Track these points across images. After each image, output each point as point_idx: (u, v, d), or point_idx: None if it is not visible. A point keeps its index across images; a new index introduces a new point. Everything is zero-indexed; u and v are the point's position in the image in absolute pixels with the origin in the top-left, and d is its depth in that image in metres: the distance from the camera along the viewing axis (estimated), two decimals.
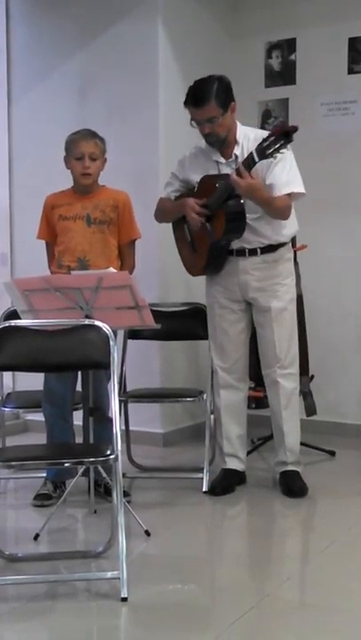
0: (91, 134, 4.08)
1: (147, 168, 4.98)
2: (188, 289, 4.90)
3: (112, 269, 3.80)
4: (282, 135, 3.67)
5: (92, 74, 5.23)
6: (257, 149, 3.74)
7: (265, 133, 3.88)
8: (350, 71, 5.19)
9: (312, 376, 4.82)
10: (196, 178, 4.12)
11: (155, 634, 2.75)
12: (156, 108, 5.01)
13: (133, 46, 5.05)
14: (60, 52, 5.33)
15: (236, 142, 4.03)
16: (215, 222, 3.98)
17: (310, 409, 4.78)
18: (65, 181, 4.18)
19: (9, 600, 2.99)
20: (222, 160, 4.05)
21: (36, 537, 3.53)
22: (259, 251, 4.06)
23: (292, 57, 5.38)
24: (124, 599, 2.92)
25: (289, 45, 5.38)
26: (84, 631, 2.82)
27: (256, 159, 3.75)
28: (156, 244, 4.78)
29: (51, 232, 4.19)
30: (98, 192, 4.14)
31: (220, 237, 3.99)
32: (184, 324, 4.48)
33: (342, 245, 5.25)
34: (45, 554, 3.45)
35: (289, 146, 3.72)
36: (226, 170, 4.01)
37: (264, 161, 3.78)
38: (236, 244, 4.05)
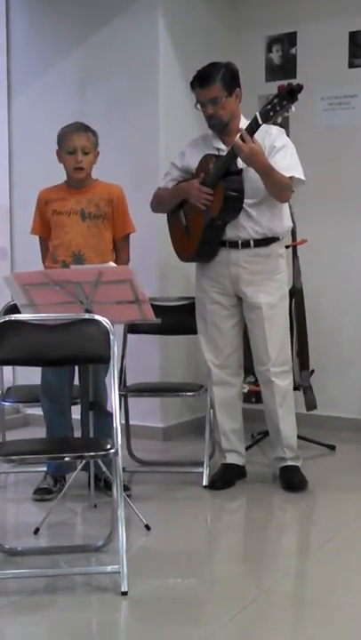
0: (83, 128, 4.05)
1: (146, 164, 4.97)
2: (187, 283, 4.89)
3: (112, 264, 3.79)
4: (286, 94, 3.64)
5: (91, 69, 5.23)
6: (261, 112, 3.72)
7: (263, 126, 3.88)
8: (351, 65, 5.18)
9: (312, 370, 4.82)
10: (195, 164, 4.11)
11: (155, 628, 2.76)
12: (156, 103, 5.01)
13: (133, 42, 5.04)
14: (60, 47, 5.32)
15: (238, 131, 4.01)
16: (212, 200, 3.96)
17: (310, 403, 4.78)
18: (65, 176, 4.17)
19: (9, 594, 2.99)
20: (224, 147, 4.04)
21: (37, 531, 3.54)
22: (252, 243, 4.04)
23: (293, 51, 5.37)
24: (124, 593, 2.93)
25: (289, 39, 5.37)
26: (84, 625, 2.82)
27: (260, 121, 3.73)
28: (156, 239, 4.77)
29: (45, 227, 4.18)
30: (91, 186, 4.13)
31: (216, 215, 3.96)
32: (184, 318, 4.47)
33: (343, 239, 5.25)
34: (45, 548, 3.45)
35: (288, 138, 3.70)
36: None
37: (266, 146, 3.76)
38: (229, 233, 4.02)
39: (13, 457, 3.12)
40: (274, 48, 5.43)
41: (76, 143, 4.01)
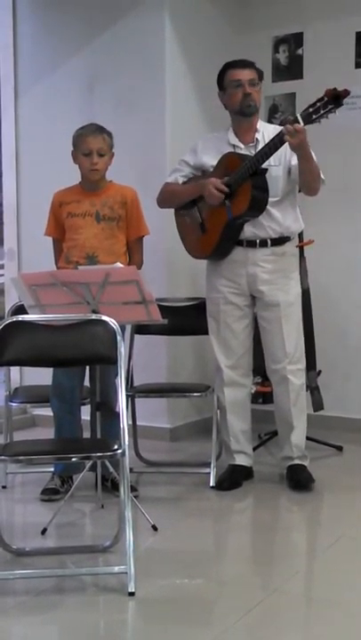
0: (99, 129, 4.07)
1: (154, 162, 4.97)
2: (194, 284, 4.89)
3: (119, 264, 3.79)
4: (332, 99, 3.65)
5: (98, 70, 5.23)
6: (302, 114, 3.73)
7: (279, 128, 3.94)
8: (358, 65, 5.17)
9: (319, 371, 4.81)
10: (210, 161, 4.11)
11: (162, 628, 2.76)
12: (163, 103, 5.01)
13: (140, 41, 5.05)
14: (67, 46, 5.33)
15: (256, 130, 4.07)
16: (236, 199, 3.94)
17: (318, 404, 4.78)
18: (72, 176, 4.18)
19: (17, 594, 3.00)
20: (240, 144, 4.06)
21: (44, 531, 3.54)
22: (269, 242, 4.05)
23: (299, 51, 5.37)
24: (132, 594, 2.93)
25: (296, 40, 5.37)
26: (91, 625, 2.82)
27: (301, 123, 3.74)
28: (163, 239, 4.77)
29: (59, 229, 4.19)
30: (106, 188, 4.14)
31: (239, 214, 3.96)
32: (191, 319, 4.48)
33: (351, 240, 5.24)
34: (53, 548, 3.45)
35: None
36: (245, 153, 4.01)
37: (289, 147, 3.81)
38: (247, 233, 4.03)
39: (21, 457, 3.12)
40: (280, 48, 5.43)
41: (91, 145, 4.02)
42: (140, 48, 5.05)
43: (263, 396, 4.74)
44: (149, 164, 4.98)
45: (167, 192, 4.28)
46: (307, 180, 4.00)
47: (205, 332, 4.40)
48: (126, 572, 2.97)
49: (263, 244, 4.06)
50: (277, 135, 3.84)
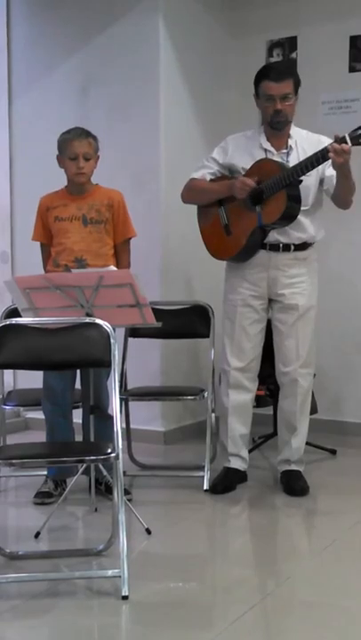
0: (84, 133, 4.05)
1: (148, 166, 4.98)
2: (188, 287, 4.90)
3: (112, 267, 3.79)
4: None
5: (92, 72, 5.23)
6: (351, 135, 3.70)
7: (313, 135, 4.01)
8: (351, 69, 5.18)
9: (314, 375, 4.80)
10: (241, 162, 4.07)
11: (155, 632, 2.75)
12: (157, 106, 5.01)
13: (134, 45, 5.05)
14: (61, 50, 5.33)
15: (289, 136, 4.05)
16: (269, 206, 3.91)
17: (311, 407, 4.76)
18: (65, 180, 4.17)
19: (10, 598, 2.99)
20: (272, 149, 4.05)
21: (37, 535, 3.53)
22: (292, 247, 4.06)
23: (294, 55, 5.37)
24: (125, 597, 2.92)
25: (290, 43, 5.38)
26: (84, 629, 2.82)
27: (349, 143, 3.72)
28: (158, 243, 4.78)
29: (46, 233, 4.18)
30: (92, 192, 4.13)
31: (271, 222, 3.94)
32: (185, 322, 4.48)
33: (346, 244, 5.25)
34: (46, 552, 3.45)
35: None
36: (277, 159, 3.99)
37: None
38: (270, 238, 4.03)
39: (14, 461, 3.12)
40: (275, 52, 5.43)
41: (77, 150, 4.01)
42: (134, 52, 5.05)
43: (257, 400, 4.73)
44: (143, 168, 4.98)
45: (194, 188, 4.20)
46: (342, 194, 4.01)
47: (199, 336, 4.41)
48: (120, 576, 2.97)
49: (286, 248, 4.06)
50: (321, 151, 3.80)
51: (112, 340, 3.19)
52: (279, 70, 4.02)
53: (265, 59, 5.43)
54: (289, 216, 3.94)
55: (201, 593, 3.12)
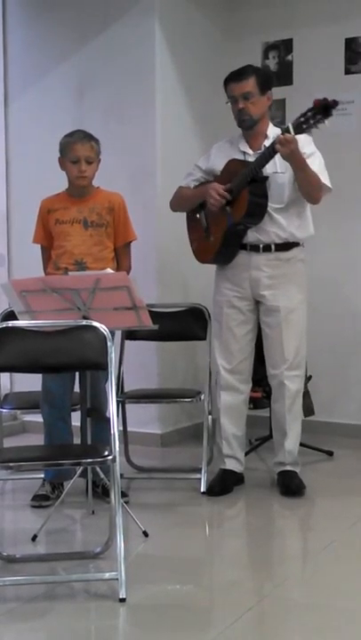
0: (87, 137, 4.06)
1: (144, 169, 4.98)
2: (185, 289, 4.90)
3: (109, 270, 3.79)
4: (321, 109, 3.67)
5: (89, 75, 5.24)
6: (294, 123, 3.75)
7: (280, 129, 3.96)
8: (347, 72, 5.19)
9: (310, 376, 4.82)
10: (220, 166, 4.12)
11: (153, 634, 2.75)
12: (153, 108, 5.01)
13: (130, 47, 5.06)
14: (57, 53, 5.33)
15: (265, 136, 4.06)
16: (236, 205, 3.97)
17: (308, 409, 4.78)
18: (62, 182, 4.17)
19: (7, 601, 2.99)
20: (250, 151, 4.07)
21: (34, 538, 3.53)
22: (273, 247, 4.06)
23: (289, 57, 5.38)
24: (123, 600, 2.92)
25: (286, 46, 5.39)
26: (82, 632, 2.81)
27: (292, 132, 3.75)
28: (154, 245, 4.78)
29: (47, 236, 4.18)
30: (93, 195, 4.13)
31: (239, 220, 3.98)
32: (182, 324, 4.48)
33: (340, 245, 5.26)
34: (43, 555, 3.44)
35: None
36: (252, 160, 4.02)
37: None
38: (251, 237, 4.04)
39: (11, 463, 3.13)
40: (270, 54, 5.44)
41: (79, 153, 4.01)
42: (130, 54, 5.06)
43: (254, 402, 4.74)
44: (139, 170, 4.99)
45: (178, 196, 4.30)
46: (304, 187, 4.00)
47: (196, 338, 4.41)
48: (117, 579, 2.97)
49: (267, 248, 4.07)
50: (271, 144, 3.87)
51: (109, 343, 3.19)
52: (240, 70, 4.05)
53: (261, 61, 5.44)
54: (255, 213, 3.96)
55: (198, 595, 3.12)
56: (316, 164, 4.00)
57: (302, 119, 3.74)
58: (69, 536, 3.72)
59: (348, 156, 5.20)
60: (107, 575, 3.09)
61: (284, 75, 5.39)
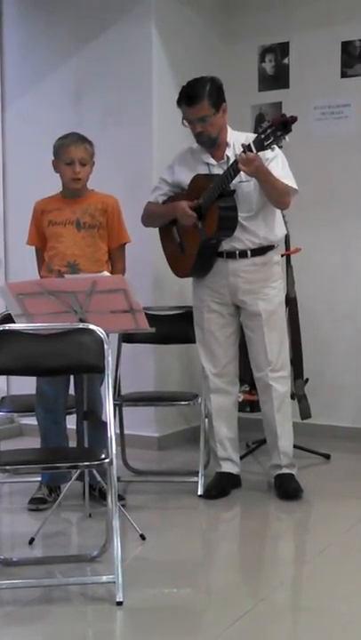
0: (81, 139, 4.06)
1: (141, 172, 4.98)
2: (181, 293, 4.89)
3: (106, 273, 3.80)
4: (280, 126, 3.67)
5: (86, 78, 5.23)
6: (255, 141, 3.75)
7: (242, 135, 3.97)
8: (343, 75, 5.20)
9: (307, 379, 4.82)
10: (186, 180, 4.14)
11: (150, 638, 2.75)
12: (150, 111, 5.02)
13: (127, 50, 5.06)
14: (54, 55, 5.33)
15: (227, 144, 4.06)
16: (207, 220, 3.99)
17: (305, 412, 4.78)
18: (59, 185, 4.17)
19: (4, 604, 2.98)
20: (213, 162, 4.08)
21: (31, 541, 3.53)
22: (249, 253, 4.07)
23: (286, 61, 5.39)
24: (120, 603, 2.92)
25: (282, 49, 5.39)
26: (79, 635, 2.81)
27: (254, 151, 3.75)
28: (150, 248, 4.77)
29: (40, 237, 4.18)
30: (87, 196, 4.13)
31: (211, 235, 3.99)
32: (178, 327, 4.48)
33: (336, 248, 5.26)
34: (40, 558, 3.44)
35: (280, 145, 3.72)
36: (217, 171, 4.03)
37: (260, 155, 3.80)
38: (226, 245, 4.05)
39: (7, 467, 3.11)
40: (267, 58, 5.45)
41: (73, 155, 4.01)
42: (127, 58, 5.06)
43: (250, 405, 4.74)
44: (136, 174, 4.99)
45: (148, 213, 4.30)
46: (272, 197, 4.00)
47: (192, 341, 4.40)
48: (114, 582, 2.96)
49: (243, 254, 4.07)
50: (232, 164, 3.86)
51: (105, 346, 3.19)
52: (190, 95, 3.99)
53: (257, 64, 5.45)
54: (227, 226, 3.97)
55: (195, 598, 3.12)
56: (279, 167, 3.99)
57: (263, 136, 3.73)
58: (66, 539, 3.72)
59: (345, 159, 5.21)
60: (104, 578, 3.08)
61: (280, 78, 5.39)
